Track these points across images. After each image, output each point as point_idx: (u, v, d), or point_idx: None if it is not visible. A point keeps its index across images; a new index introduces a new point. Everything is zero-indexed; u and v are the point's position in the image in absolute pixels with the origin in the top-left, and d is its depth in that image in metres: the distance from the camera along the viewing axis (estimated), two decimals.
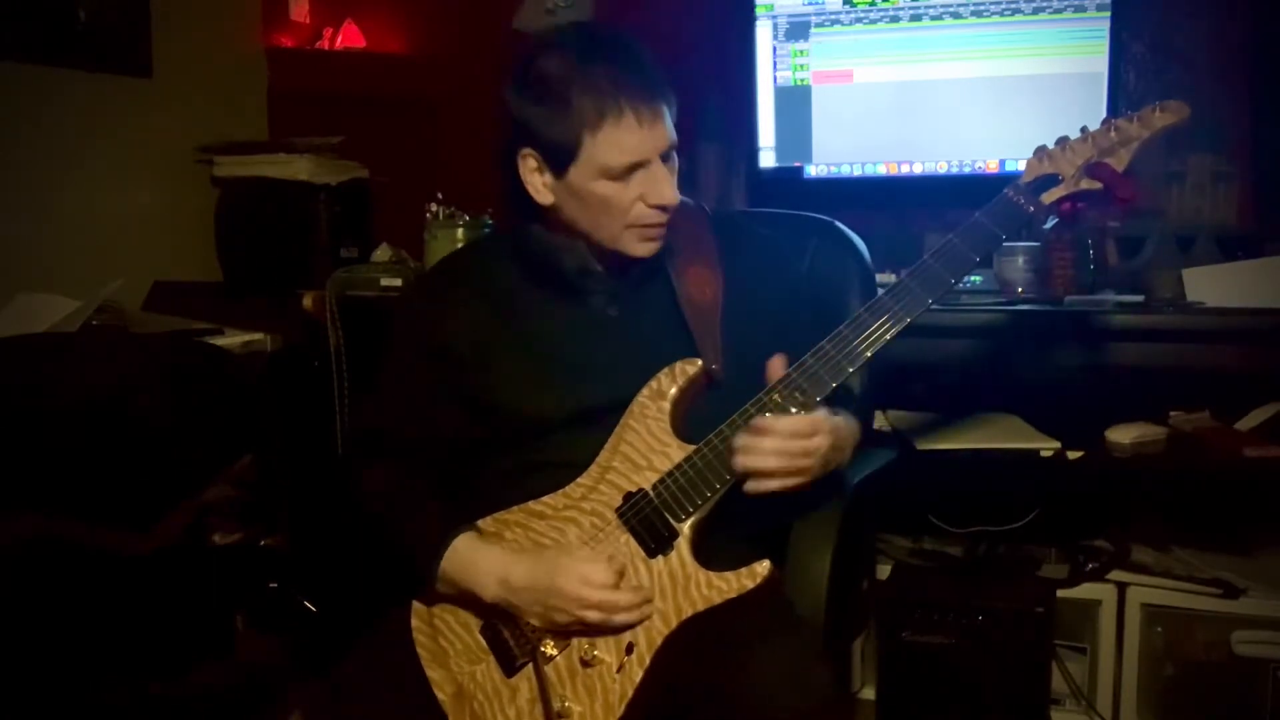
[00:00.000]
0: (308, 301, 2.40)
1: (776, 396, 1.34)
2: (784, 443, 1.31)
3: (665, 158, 1.40)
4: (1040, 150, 1.40)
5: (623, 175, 1.37)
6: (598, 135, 1.35)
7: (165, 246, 2.65)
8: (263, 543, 2.34)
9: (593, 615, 1.32)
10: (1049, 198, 1.37)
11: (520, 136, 1.40)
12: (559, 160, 1.39)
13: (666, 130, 1.39)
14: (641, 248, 1.43)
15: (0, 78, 2.30)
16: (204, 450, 2.08)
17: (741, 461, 1.32)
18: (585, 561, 1.35)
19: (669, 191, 1.39)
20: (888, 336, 1.33)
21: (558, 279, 1.48)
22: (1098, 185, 1.37)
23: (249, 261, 2.63)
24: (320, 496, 2.34)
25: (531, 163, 1.41)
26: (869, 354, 1.33)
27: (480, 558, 1.38)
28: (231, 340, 2.27)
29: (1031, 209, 1.36)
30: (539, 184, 1.42)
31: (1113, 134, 1.37)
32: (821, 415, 1.35)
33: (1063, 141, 1.38)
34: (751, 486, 1.33)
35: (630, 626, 1.34)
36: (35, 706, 1.83)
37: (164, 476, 2.00)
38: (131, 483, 1.93)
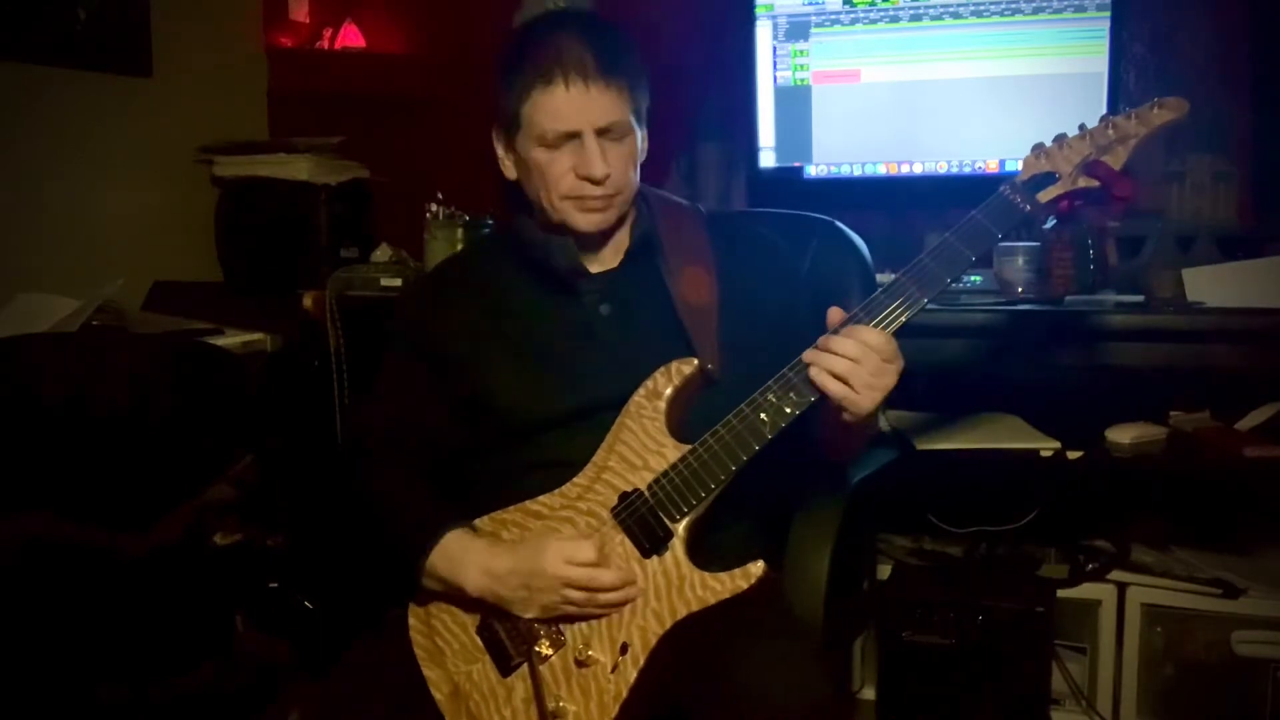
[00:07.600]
0: (308, 301, 2.41)
1: (772, 396, 1.33)
2: (864, 350, 1.28)
3: (606, 134, 1.40)
4: (1038, 148, 1.38)
5: (555, 143, 1.41)
6: (534, 101, 1.40)
7: (165, 246, 2.66)
8: (263, 543, 2.33)
9: (576, 594, 1.32)
10: (1046, 196, 1.36)
11: (493, 116, 1.47)
12: (510, 130, 1.45)
13: (607, 106, 1.39)
14: (582, 219, 1.44)
15: (0, 78, 2.30)
16: (204, 450, 2.09)
17: (813, 355, 1.30)
18: (568, 540, 1.35)
19: (597, 165, 1.39)
20: None
21: (549, 276, 1.49)
22: (1095, 183, 1.35)
23: (249, 261, 2.63)
24: (320, 496, 2.34)
25: (497, 139, 1.49)
26: None
27: (466, 552, 1.38)
28: (231, 340, 2.27)
29: (1028, 207, 1.35)
30: (504, 160, 1.49)
31: (1110, 131, 1.35)
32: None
33: (1060, 139, 1.37)
34: (815, 375, 1.30)
35: (617, 606, 1.33)
36: (35, 706, 1.83)
37: (164, 476, 2.00)
38: (131, 483, 1.93)
